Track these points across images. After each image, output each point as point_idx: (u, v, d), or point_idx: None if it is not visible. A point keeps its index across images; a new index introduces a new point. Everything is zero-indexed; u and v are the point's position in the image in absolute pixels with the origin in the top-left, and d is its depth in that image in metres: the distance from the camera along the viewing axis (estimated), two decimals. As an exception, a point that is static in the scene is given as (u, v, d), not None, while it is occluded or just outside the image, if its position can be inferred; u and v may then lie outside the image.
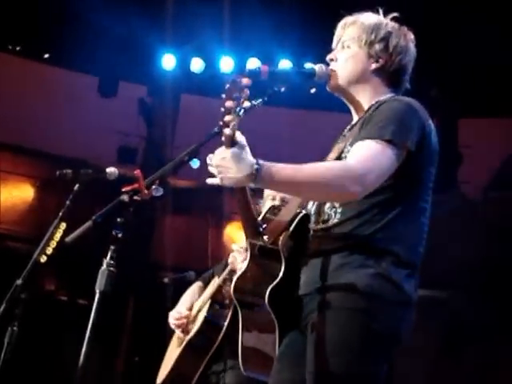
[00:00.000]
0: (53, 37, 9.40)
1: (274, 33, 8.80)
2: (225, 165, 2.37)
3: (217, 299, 4.27)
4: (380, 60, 2.72)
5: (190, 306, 4.43)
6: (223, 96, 2.38)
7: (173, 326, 4.40)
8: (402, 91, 2.80)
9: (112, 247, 2.36)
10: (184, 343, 4.26)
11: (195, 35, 9.17)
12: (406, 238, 2.58)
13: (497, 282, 7.99)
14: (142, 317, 9.23)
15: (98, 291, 2.33)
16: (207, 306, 4.28)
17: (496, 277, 8.02)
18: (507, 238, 8.38)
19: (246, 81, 2.39)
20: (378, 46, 2.72)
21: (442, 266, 7.69)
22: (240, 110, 2.38)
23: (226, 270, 4.19)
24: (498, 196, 9.20)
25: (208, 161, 2.45)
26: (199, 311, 4.34)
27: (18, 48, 10.17)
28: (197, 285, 4.61)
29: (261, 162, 2.38)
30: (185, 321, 4.33)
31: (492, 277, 8.01)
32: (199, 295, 4.48)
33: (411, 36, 2.79)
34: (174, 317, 4.40)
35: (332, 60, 2.76)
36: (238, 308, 2.82)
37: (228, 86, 2.37)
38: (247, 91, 2.39)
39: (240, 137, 2.41)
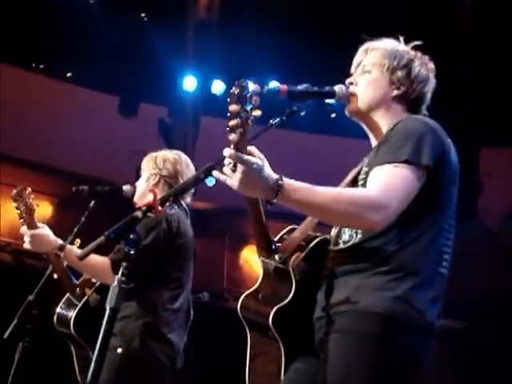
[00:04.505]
0: (76, 56, 9.48)
1: (295, 57, 8.83)
2: (247, 171, 2.21)
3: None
4: (401, 87, 2.67)
5: None
6: (228, 100, 2.19)
7: None
8: None
9: (124, 264, 2.33)
10: None
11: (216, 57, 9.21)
12: (427, 257, 2.48)
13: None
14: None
15: (108, 308, 2.30)
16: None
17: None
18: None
19: (254, 87, 2.21)
20: (400, 73, 2.66)
21: (458, 296, 7.59)
22: (248, 117, 2.16)
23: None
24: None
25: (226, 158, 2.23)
26: None
27: (41, 66, 10.26)
28: None
29: (283, 177, 2.27)
30: None
31: (509, 307, 7.89)
32: None
33: (432, 65, 2.74)
34: None
35: (352, 84, 2.70)
36: (246, 327, 2.75)
37: (233, 89, 2.18)
38: (257, 98, 2.20)
39: (253, 149, 2.25)
